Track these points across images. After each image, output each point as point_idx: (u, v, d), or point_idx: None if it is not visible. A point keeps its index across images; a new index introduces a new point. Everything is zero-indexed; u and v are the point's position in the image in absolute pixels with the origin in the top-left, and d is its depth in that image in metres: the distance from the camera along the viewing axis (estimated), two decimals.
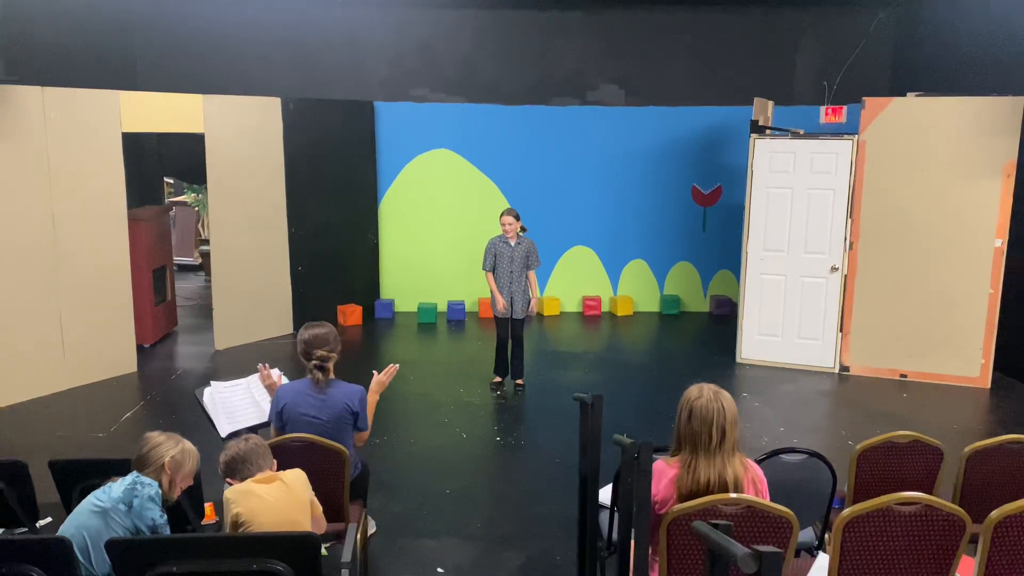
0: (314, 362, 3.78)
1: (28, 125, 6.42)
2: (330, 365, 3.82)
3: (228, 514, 3.00)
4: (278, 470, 3.21)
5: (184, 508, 3.34)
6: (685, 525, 2.62)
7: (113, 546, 2.63)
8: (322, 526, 3.33)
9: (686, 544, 2.68)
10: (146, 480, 2.95)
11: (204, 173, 7.85)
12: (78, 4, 8.37)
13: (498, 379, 7.04)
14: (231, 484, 3.12)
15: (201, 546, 2.69)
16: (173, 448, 3.03)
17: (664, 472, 2.89)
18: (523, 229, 6.75)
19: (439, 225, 9.86)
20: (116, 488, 2.93)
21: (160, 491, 2.96)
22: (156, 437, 3.06)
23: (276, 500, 3.03)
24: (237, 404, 4.11)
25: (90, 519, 2.86)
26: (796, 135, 7.55)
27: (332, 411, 3.76)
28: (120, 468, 3.15)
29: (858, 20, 9.51)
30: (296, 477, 3.19)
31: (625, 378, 7.48)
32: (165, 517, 2.94)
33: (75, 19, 8.36)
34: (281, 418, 3.78)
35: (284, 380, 4.18)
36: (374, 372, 4.12)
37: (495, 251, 6.71)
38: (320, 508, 3.29)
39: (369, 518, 4.36)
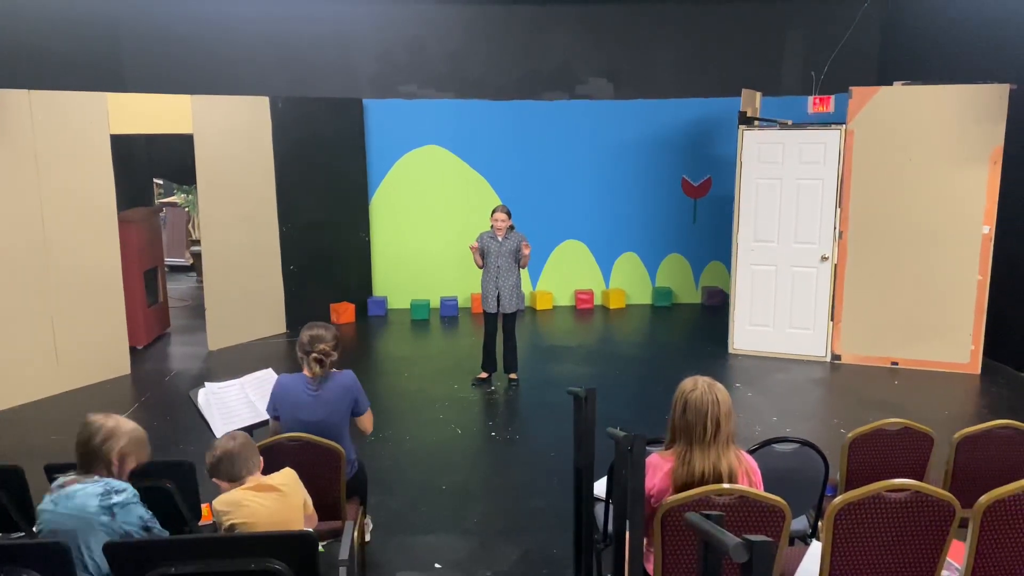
0: (315, 355, 3.81)
1: (16, 129, 6.40)
2: (329, 362, 3.85)
3: (221, 525, 2.99)
4: (271, 470, 3.21)
5: (181, 509, 3.34)
6: (679, 516, 2.65)
7: (111, 549, 2.64)
8: (313, 522, 3.32)
9: (680, 535, 2.71)
10: (116, 485, 2.86)
11: (194, 174, 7.84)
12: (64, 7, 8.33)
13: (483, 375, 7.05)
14: (219, 485, 3.11)
15: (199, 547, 2.70)
16: (124, 444, 2.92)
17: (659, 466, 2.91)
18: (511, 228, 6.76)
19: (430, 221, 9.86)
20: (85, 498, 2.82)
21: (134, 491, 2.89)
22: (98, 427, 2.91)
23: (270, 510, 3.03)
24: (232, 405, 4.11)
25: (71, 522, 2.79)
26: (784, 126, 7.57)
27: (329, 406, 3.79)
28: None
29: (844, 10, 9.53)
30: (289, 481, 3.17)
31: (618, 371, 7.51)
32: (150, 512, 2.90)
33: (61, 22, 8.32)
34: (277, 411, 3.82)
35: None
36: None
37: (483, 246, 6.74)
38: (311, 506, 3.28)
39: (367, 522, 4.37)
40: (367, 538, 4.34)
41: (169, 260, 12.20)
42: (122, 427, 2.95)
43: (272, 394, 3.85)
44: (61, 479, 2.90)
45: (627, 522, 2.82)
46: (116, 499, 2.83)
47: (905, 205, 7.15)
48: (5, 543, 2.76)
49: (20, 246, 6.48)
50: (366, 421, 3.99)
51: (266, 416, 3.96)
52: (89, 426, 2.93)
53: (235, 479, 3.09)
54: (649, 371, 7.53)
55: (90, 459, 2.91)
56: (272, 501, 3.06)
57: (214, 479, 3.13)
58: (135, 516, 2.85)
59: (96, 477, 2.88)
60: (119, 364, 7.27)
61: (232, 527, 2.97)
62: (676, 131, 9.84)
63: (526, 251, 6.63)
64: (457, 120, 9.67)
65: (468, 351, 7.94)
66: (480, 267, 6.80)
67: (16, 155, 6.42)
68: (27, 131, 6.46)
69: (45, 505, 2.85)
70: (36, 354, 6.64)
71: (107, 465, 2.90)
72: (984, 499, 2.66)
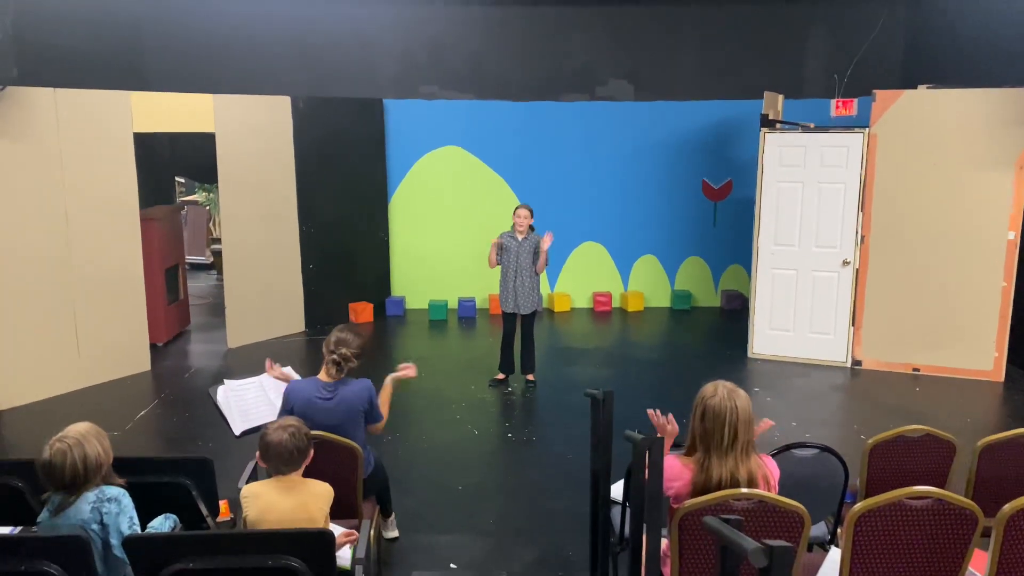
0: (334, 356, 3.84)
1: (41, 126, 6.47)
2: (347, 367, 3.87)
3: (242, 511, 3.03)
4: (307, 474, 3.22)
5: (199, 505, 3.36)
6: (697, 520, 2.63)
7: (130, 543, 2.66)
8: None
9: (698, 539, 2.69)
10: (108, 493, 2.85)
11: (215, 172, 7.89)
12: (89, 6, 8.42)
13: (501, 376, 7.04)
14: (260, 465, 3.19)
15: (216, 543, 2.72)
16: (97, 448, 2.88)
17: (680, 470, 2.89)
18: (531, 228, 6.75)
19: (449, 222, 9.87)
20: (81, 503, 2.82)
21: (128, 497, 2.88)
22: (69, 450, 2.84)
23: (285, 511, 3.03)
24: (251, 402, 4.13)
25: (67, 531, 2.78)
26: (806, 129, 7.51)
27: (342, 412, 3.80)
28: (135, 466, 3.17)
29: (868, 12, 9.45)
30: (320, 493, 3.17)
31: (636, 374, 7.48)
32: (136, 520, 2.88)
33: (86, 21, 8.41)
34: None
35: (295, 376, 4.20)
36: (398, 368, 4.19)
37: (502, 244, 6.72)
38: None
39: (391, 521, 4.39)
40: (396, 534, 4.39)
41: (190, 258, 12.30)
42: (81, 432, 2.90)
43: (284, 400, 3.85)
44: (58, 501, 2.84)
45: (644, 525, 2.81)
46: (109, 508, 2.82)
47: (929, 210, 7.07)
48: (25, 536, 2.79)
49: (44, 243, 6.54)
50: (376, 428, 4.02)
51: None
52: (63, 455, 2.83)
53: (272, 471, 3.14)
54: (667, 374, 7.50)
55: (81, 481, 2.85)
56: (293, 500, 3.07)
57: (258, 456, 3.20)
58: (124, 525, 2.82)
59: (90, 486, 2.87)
60: (140, 360, 7.33)
61: (246, 518, 3.00)
62: (697, 134, 9.79)
63: (546, 244, 6.58)
64: (477, 121, 9.67)
65: (485, 352, 7.94)
66: (492, 266, 6.77)
67: (41, 153, 6.49)
68: (52, 129, 6.53)
69: (43, 517, 2.87)
70: (58, 349, 6.71)
71: (100, 476, 2.88)
72: (1007, 508, 2.62)
